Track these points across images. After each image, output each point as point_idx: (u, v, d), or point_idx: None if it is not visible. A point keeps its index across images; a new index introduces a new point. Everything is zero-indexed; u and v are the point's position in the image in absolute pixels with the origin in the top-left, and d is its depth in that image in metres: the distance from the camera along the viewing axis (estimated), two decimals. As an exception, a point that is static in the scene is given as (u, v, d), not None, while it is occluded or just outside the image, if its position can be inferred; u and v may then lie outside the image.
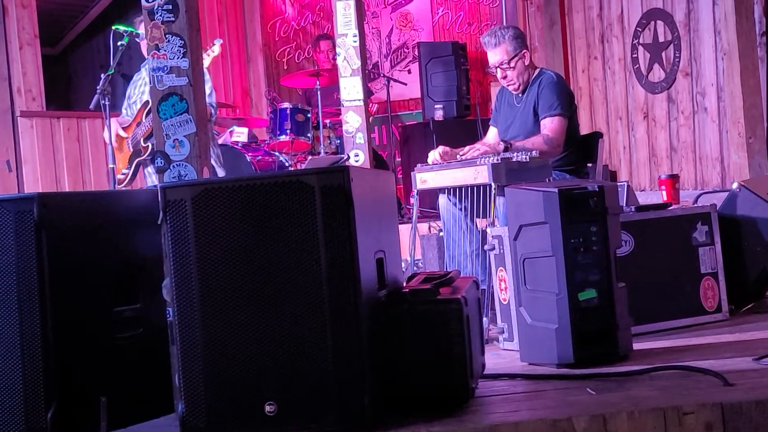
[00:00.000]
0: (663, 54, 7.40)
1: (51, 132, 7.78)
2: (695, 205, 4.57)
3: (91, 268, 2.86)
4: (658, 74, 7.48)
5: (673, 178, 4.98)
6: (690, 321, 3.88)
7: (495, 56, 4.71)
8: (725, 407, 2.51)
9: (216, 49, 5.90)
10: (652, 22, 7.49)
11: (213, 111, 5.84)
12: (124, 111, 6.06)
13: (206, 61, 5.79)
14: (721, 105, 6.81)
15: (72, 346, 2.75)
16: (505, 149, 4.32)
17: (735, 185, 4.30)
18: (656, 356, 3.27)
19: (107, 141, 5.71)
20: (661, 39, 7.41)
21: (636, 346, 3.37)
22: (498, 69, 4.72)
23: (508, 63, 4.67)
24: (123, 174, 5.88)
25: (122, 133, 5.84)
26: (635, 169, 7.84)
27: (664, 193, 4.92)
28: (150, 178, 5.90)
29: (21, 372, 2.70)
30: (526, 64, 4.69)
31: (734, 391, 2.64)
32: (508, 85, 4.75)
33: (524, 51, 4.69)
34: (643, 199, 6.13)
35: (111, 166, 5.63)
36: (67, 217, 2.83)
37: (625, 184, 5.68)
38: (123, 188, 5.87)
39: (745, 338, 3.55)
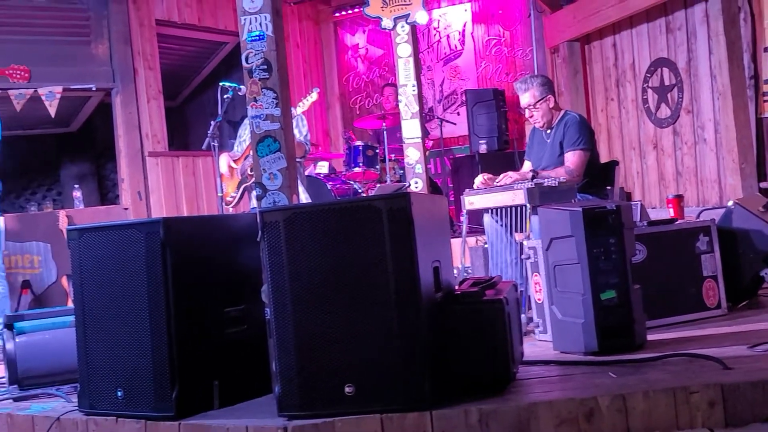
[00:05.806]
0: (668, 95, 7.29)
1: (172, 168, 7.93)
2: (698, 219, 4.48)
3: (205, 277, 2.91)
4: (664, 112, 7.37)
5: (679, 198, 4.90)
6: (694, 316, 3.81)
7: (524, 99, 4.70)
8: (725, 387, 2.47)
9: (314, 95, 5.82)
10: (659, 69, 7.39)
11: (307, 148, 5.77)
12: (236, 147, 6.07)
13: (306, 105, 5.75)
14: (717, 137, 6.69)
15: (191, 340, 2.81)
16: (533, 177, 4.31)
17: (730, 203, 4.22)
18: (666, 345, 3.22)
19: (219, 172, 5.79)
20: (667, 83, 7.30)
21: (649, 337, 3.32)
22: (526, 109, 4.72)
23: (534, 105, 4.66)
24: (231, 197, 5.94)
25: (233, 165, 5.89)
26: (647, 190, 7.72)
27: (671, 210, 4.84)
28: (253, 200, 5.92)
29: (151, 361, 2.76)
30: (551, 106, 4.66)
31: (733, 374, 2.60)
32: (534, 123, 4.74)
33: (548, 96, 4.66)
34: (654, 215, 6.03)
35: (219, 194, 5.70)
36: (187, 236, 2.89)
37: (639, 203, 5.58)
38: (231, 209, 5.93)
39: (741, 330, 3.47)
